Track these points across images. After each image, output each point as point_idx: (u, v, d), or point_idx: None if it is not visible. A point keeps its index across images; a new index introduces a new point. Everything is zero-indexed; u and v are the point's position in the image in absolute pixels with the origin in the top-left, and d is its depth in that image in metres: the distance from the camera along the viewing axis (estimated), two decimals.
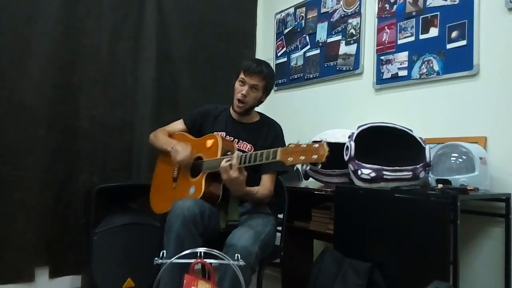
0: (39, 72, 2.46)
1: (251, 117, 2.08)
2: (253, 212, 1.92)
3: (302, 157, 1.54)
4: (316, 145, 1.52)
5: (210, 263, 1.38)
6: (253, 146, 1.99)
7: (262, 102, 2.06)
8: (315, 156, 1.50)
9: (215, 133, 1.98)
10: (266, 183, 1.92)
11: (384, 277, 1.77)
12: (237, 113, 2.03)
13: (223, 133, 2.00)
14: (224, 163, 1.71)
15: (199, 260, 1.37)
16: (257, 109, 2.11)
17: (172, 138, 2.10)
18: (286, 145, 1.61)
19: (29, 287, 2.45)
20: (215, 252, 1.37)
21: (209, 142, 1.93)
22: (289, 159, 1.56)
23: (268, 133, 2.03)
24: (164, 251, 1.49)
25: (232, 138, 1.99)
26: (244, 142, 2.00)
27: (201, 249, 1.37)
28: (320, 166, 1.56)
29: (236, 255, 1.43)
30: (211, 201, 1.83)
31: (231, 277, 1.55)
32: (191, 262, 1.37)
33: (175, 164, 2.00)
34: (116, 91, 2.75)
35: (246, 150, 1.97)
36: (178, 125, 2.16)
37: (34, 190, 2.44)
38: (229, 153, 1.80)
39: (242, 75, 1.96)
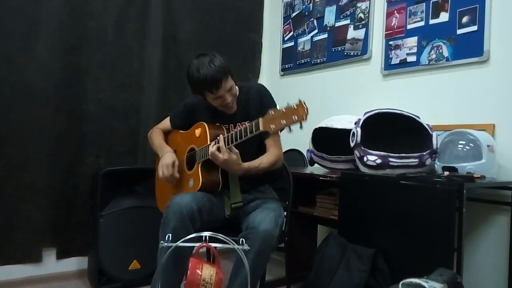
0: (46, 54, 2.45)
1: None
2: (262, 197, 1.90)
3: (284, 121, 1.51)
4: (295, 106, 1.49)
5: (215, 247, 1.39)
6: (249, 120, 1.87)
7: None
8: (295, 117, 1.49)
9: None
10: (270, 148, 1.88)
11: (388, 263, 1.77)
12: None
13: (218, 125, 1.95)
14: (211, 148, 1.69)
15: (204, 244, 1.38)
16: None
17: (168, 136, 2.13)
18: (268, 112, 1.57)
19: (36, 267, 2.50)
20: (220, 236, 1.38)
21: (198, 132, 1.92)
22: (272, 126, 1.54)
23: (254, 99, 1.93)
24: (170, 235, 1.51)
25: (227, 125, 1.93)
26: (238, 123, 1.92)
27: (206, 233, 1.39)
28: (302, 128, 1.51)
29: (240, 239, 1.44)
30: (212, 189, 1.83)
31: (252, 259, 1.54)
32: (191, 249, 1.39)
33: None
34: (123, 74, 2.74)
35: None
36: (168, 124, 2.15)
37: (42, 173, 2.46)
38: (218, 137, 1.77)
39: (211, 95, 1.79)
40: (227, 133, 1.87)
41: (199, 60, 1.78)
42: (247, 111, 1.94)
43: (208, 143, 1.80)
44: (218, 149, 1.69)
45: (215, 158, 1.69)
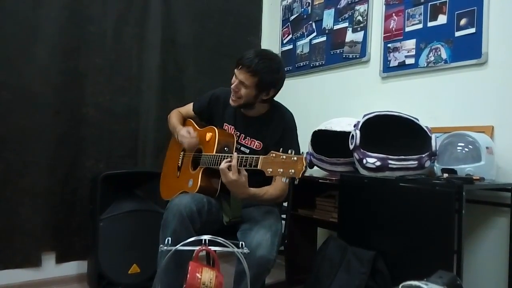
0: (45, 58, 2.45)
1: (258, 109, 1.90)
2: (257, 204, 1.88)
3: (280, 170, 1.48)
4: (295, 158, 1.46)
5: (215, 251, 1.39)
6: (261, 142, 1.88)
7: (266, 100, 1.86)
8: (292, 171, 1.45)
9: (225, 124, 1.96)
10: (277, 182, 1.80)
11: (388, 266, 1.77)
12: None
13: (232, 127, 1.94)
14: (223, 165, 1.63)
15: (203, 248, 1.38)
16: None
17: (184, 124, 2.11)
18: (270, 154, 1.53)
19: (36, 272, 2.49)
20: (220, 239, 1.38)
21: (208, 135, 1.90)
22: (268, 169, 1.51)
23: (277, 127, 1.88)
24: (169, 238, 1.51)
25: (239, 133, 1.92)
26: (252, 139, 1.90)
27: (206, 237, 1.39)
28: (297, 181, 1.48)
29: (240, 242, 1.44)
30: (209, 194, 1.82)
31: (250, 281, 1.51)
32: (192, 252, 1.38)
33: (183, 148, 2.02)
34: (122, 78, 2.74)
35: (254, 147, 1.89)
36: (191, 108, 2.15)
37: (41, 177, 2.45)
38: (226, 148, 1.74)
39: (235, 68, 1.80)
40: (237, 140, 1.88)
41: (264, 52, 1.82)
42: (263, 130, 1.90)
43: (214, 153, 1.79)
44: (229, 166, 1.63)
45: (224, 174, 1.63)
